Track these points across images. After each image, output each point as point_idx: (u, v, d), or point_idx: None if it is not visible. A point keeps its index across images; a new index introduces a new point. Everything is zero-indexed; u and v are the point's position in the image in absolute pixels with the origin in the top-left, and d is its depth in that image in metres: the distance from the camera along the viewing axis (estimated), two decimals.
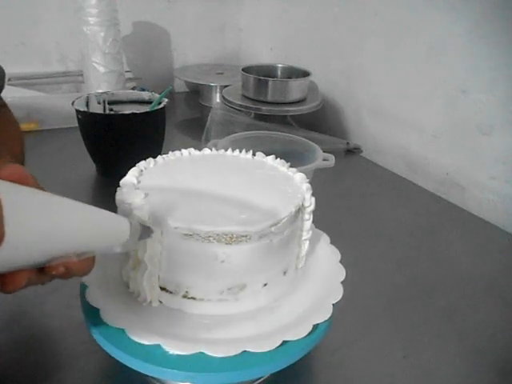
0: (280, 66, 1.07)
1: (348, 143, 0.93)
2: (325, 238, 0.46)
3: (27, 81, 1.03)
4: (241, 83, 1.00)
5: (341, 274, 0.41)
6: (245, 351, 0.32)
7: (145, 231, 0.32)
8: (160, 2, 1.20)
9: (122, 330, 0.33)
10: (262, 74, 0.99)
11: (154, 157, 0.44)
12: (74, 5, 0.89)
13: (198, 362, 0.32)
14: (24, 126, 0.91)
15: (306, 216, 0.40)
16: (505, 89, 0.68)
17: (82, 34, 0.90)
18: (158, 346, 0.32)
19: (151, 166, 0.43)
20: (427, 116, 0.82)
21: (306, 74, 0.99)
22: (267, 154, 0.46)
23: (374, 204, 0.75)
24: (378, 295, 0.53)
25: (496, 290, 0.56)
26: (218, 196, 0.38)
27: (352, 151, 0.93)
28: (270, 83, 0.95)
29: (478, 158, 0.74)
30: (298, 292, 0.40)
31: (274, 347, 0.33)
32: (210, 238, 0.33)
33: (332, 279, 0.40)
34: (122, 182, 0.38)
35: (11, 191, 0.22)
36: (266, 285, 0.37)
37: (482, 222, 0.70)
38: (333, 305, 0.37)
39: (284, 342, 0.33)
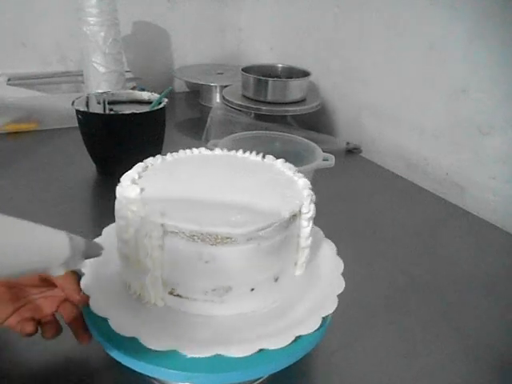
0: (280, 66, 1.07)
1: (348, 143, 0.93)
2: (330, 245, 0.44)
3: (27, 81, 1.03)
4: (241, 83, 1.00)
5: (340, 286, 0.39)
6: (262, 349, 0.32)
7: (91, 248, 0.31)
8: (160, 1, 1.20)
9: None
10: (261, 74, 0.99)
11: (154, 157, 0.44)
12: (74, 5, 0.89)
13: (198, 362, 0.32)
14: (24, 126, 0.91)
15: (305, 223, 0.39)
16: (505, 89, 0.68)
17: (81, 34, 0.90)
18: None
19: (158, 162, 0.43)
20: (427, 116, 0.82)
21: (306, 74, 0.99)
22: (267, 154, 0.46)
23: (374, 204, 0.75)
24: (378, 295, 0.53)
25: (496, 289, 0.56)
26: (213, 197, 0.38)
27: (352, 151, 0.93)
28: (269, 83, 0.95)
29: (478, 158, 0.74)
30: (291, 298, 0.39)
31: (250, 353, 0.32)
32: (195, 238, 0.33)
33: (329, 291, 0.38)
34: (124, 176, 0.39)
35: None
36: (253, 289, 0.36)
37: (482, 221, 0.70)
38: (323, 318, 0.36)
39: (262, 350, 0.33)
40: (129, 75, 1.08)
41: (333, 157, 0.67)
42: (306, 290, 0.40)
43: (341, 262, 0.42)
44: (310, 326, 0.35)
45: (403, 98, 0.86)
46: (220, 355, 0.32)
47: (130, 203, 0.35)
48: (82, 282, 0.37)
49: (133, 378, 0.38)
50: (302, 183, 0.41)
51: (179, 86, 1.29)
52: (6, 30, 1.05)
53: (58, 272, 0.28)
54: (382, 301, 0.52)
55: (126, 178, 0.39)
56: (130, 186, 0.37)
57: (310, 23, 1.07)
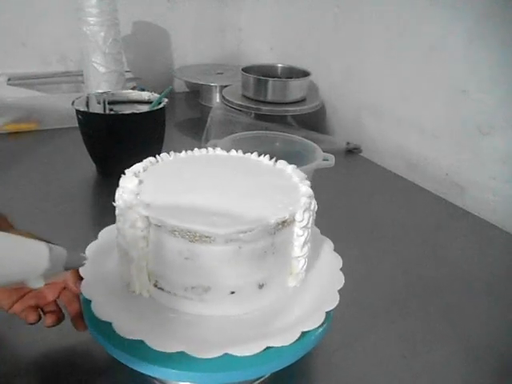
0: (280, 66, 1.07)
1: (348, 143, 0.93)
2: (336, 259, 0.43)
3: (27, 81, 1.03)
4: (241, 83, 1.00)
5: (332, 303, 0.37)
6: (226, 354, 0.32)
7: (73, 259, 0.30)
8: (160, 1, 1.20)
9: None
10: (261, 74, 0.99)
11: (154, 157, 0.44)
12: (73, 5, 0.89)
13: (197, 362, 0.32)
14: (24, 126, 0.91)
15: (300, 231, 0.37)
16: (505, 89, 0.68)
17: (81, 34, 0.90)
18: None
19: (169, 159, 0.43)
20: (427, 116, 0.82)
21: (306, 74, 0.99)
22: (267, 154, 0.46)
23: (374, 204, 0.75)
24: (378, 295, 0.53)
25: (496, 290, 0.56)
26: (206, 196, 0.38)
27: (352, 151, 0.93)
28: (269, 83, 0.95)
29: (478, 158, 0.74)
30: (277, 308, 0.38)
31: (216, 356, 0.32)
32: (175, 233, 0.33)
33: (319, 307, 0.37)
34: (131, 168, 0.40)
35: None
36: (233, 293, 0.36)
37: (482, 222, 0.70)
38: (303, 332, 0.34)
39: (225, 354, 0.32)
40: (129, 75, 1.08)
41: (333, 157, 0.67)
42: (296, 302, 0.38)
43: (342, 277, 0.40)
44: (286, 339, 0.33)
45: (403, 98, 0.86)
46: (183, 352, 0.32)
47: (124, 193, 0.36)
48: (82, 269, 0.38)
49: (133, 377, 0.38)
50: (304, 191, 0.39)
51: (179, 86, 1.29)
52: (6, 30, 1.05)
53: (36, 284, 0.27)
54: (382, 301, 0.52)
55: (131, 170, 0.40)
56: (129, 177, 0.38)
57: (310, 23, 1.07)
